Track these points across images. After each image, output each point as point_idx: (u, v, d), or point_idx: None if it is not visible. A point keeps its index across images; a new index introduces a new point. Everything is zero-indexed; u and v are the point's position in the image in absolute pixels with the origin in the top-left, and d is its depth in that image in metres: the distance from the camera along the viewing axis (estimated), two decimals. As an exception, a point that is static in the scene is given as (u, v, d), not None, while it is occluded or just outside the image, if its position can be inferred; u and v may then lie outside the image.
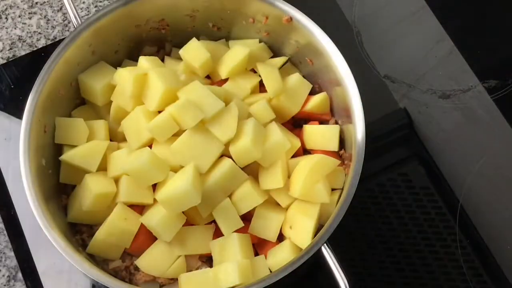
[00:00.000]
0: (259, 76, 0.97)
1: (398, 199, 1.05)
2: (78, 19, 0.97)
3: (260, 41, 1.01)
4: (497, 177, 1.07)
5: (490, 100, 1.11)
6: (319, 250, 0.83)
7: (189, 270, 0.90)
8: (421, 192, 1.06)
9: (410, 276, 1.01)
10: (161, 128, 0.88)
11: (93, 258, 0.91)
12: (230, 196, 0.89)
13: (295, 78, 0.97)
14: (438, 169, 1.07)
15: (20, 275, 1.01)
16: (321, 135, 0.95)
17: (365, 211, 1.04)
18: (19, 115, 1.00)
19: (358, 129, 0.88)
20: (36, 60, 1.14)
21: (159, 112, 0.91)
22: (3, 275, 1.01)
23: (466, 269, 1.01)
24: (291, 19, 0.95)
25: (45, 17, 1.19)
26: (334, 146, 0.94)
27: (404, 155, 1.10)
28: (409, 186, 1.06)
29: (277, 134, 0.90)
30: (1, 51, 1.16)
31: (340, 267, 0.83)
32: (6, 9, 1.20)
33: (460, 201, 1.04)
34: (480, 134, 1.10)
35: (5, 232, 1.03)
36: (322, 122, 0.98)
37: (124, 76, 0.91)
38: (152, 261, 0.89)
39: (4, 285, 1.00)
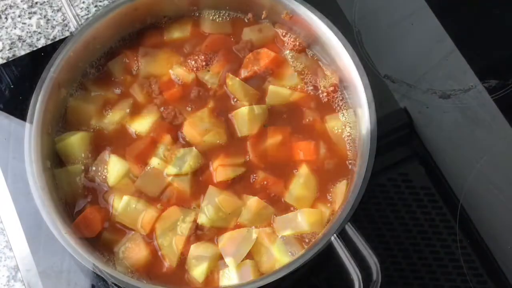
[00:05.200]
0: None
1: (398, 199, 1.05)
2: (78, 19, 0.97)
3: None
4: (497, 177, 1.07)
5: (490, 100, 1.11)
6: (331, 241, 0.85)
7: None
8: (421, 192, 1.06)
9: (411, 277, 1.01)
10: None
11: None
12: None
13: None
14: (438, 169, 1.07)
15: (20, 275, 1.01)
16: None
17: (365, 211, 1.04)
18: (19, 115, 1.01)
19: (367, 113, 0.91)
20: (36, 60, 1.14)
21: None
22: (3, 275, 1.01)
23: (466, 269, 1.01)
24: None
25: (45, 17, 1.19)
26: None
27: (404, 155, 1.10)
28: (409, 186, 1.06)
29: None
30: (1, 51, 1.16)
31: (353, 260, 0.85)
32: (6, 9, 1.20)
33: (460, 201, 1.04)
34: (480, 134, 1.10)
35: (5, 232, 1.03)
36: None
37: None
38: None
39: (4, 285, 1.00)
